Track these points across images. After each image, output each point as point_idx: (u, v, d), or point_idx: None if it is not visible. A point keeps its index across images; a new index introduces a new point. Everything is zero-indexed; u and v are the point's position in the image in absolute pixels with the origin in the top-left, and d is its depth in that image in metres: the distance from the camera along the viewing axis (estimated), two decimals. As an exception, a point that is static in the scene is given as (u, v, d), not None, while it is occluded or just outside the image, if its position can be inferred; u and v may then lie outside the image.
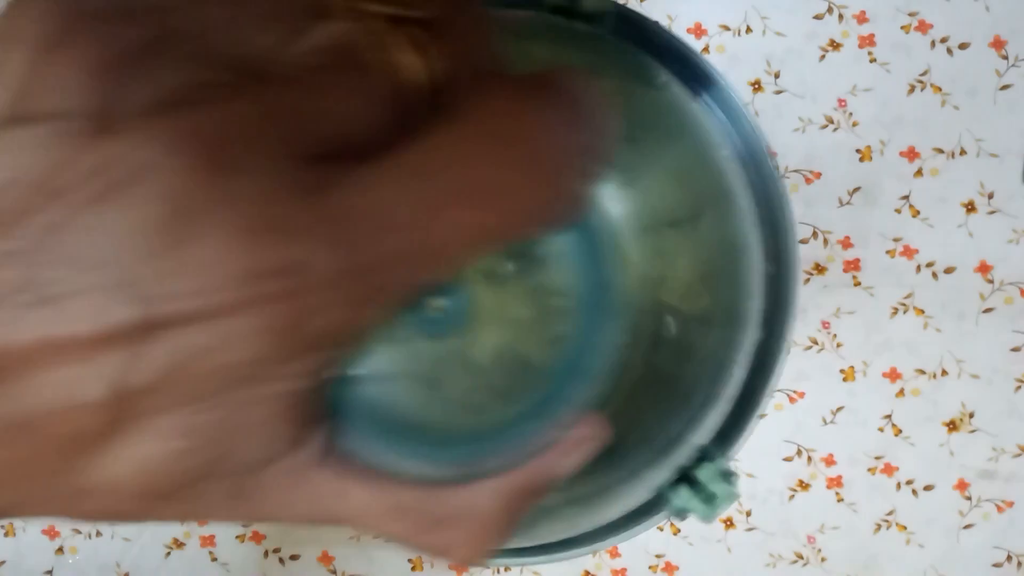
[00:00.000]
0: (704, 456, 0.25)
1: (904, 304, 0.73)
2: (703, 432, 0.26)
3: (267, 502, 0.16)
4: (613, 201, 0.20)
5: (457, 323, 0.17)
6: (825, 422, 0.73)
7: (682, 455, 0.25)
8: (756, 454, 0.73)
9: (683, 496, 0.25)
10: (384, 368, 0.17)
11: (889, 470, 0.73)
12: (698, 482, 0.25)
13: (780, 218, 0.26)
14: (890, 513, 0.73)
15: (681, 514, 0.25)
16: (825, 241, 0.72)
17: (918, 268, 0.72)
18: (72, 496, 0.14)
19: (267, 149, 0.13)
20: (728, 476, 0.25)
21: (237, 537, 0.76)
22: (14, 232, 0.12)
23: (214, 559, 0.77)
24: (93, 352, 0.12)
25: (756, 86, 0.73)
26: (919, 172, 0.72)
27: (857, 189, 0.72)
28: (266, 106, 0.13)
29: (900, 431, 0.73)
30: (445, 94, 0.15)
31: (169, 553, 0.77)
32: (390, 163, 0.14)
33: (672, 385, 0.24)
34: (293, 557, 0.76)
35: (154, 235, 0.12)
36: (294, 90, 0.14)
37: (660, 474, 0.25)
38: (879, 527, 0.74)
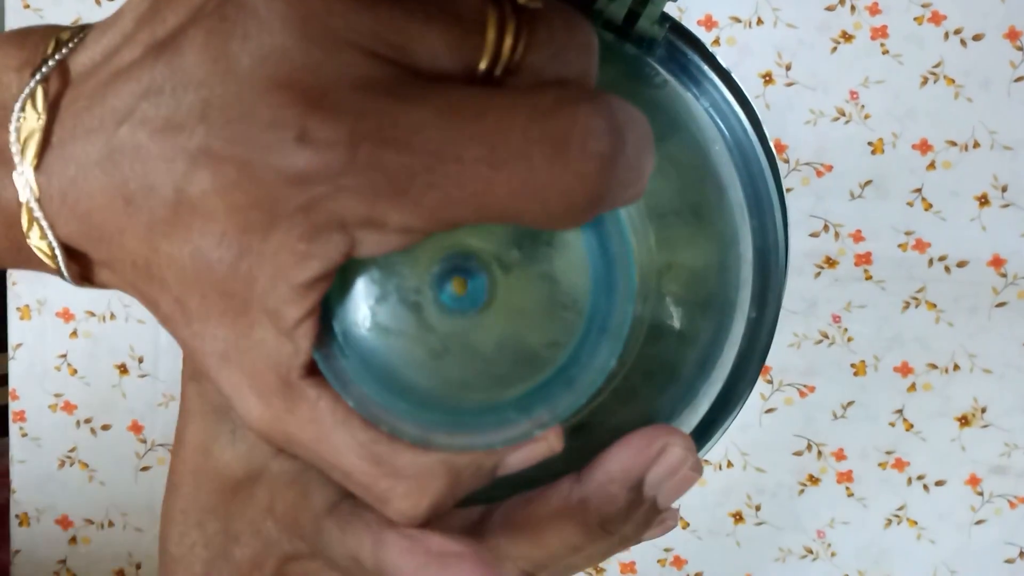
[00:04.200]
0: None
1: (916, 298, 0.72)
2: (697, 412, 0.26)
3: (245, 372, 0.18)
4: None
5: (474, 305, 0.18)
6: (835, 416, 0.73)
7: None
8: (766, 448, 0.73)
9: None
10: (396, 324, 0.18)
11: (900, 465, 0.73)
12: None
13: (769, 210, 0.26)
14: (901, 508, 0.73)
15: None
16: (836, 235, 0.72)
17: (930, 262, 0.72)
18: (140, 267, 0.17)
19: (348, 36, 0.15)
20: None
21: (248, 528, 0.77)
22: (160, 59, 0.16)
23: (225, 550, 0.77)
24: (170, 156, 0.16)
25: (767, 78, 0.72)
26: (931, 165, 0.71)
27: (869, 182, 0.72)
28: (363, 3, 0.15)
29: (911, 426, 0.73)
30: (515, 81, 0.16)
31: (180, 544, 0.77)
32: (436, 92, 0.15)
33: (671, 372, 0.24)
34: (303, 549, 0.77)
35: (236, 76, 0.15)
36: (392, 0, 0.15)
37: None
38: (889, 522, 0.73)
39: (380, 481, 0.18)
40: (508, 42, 0.16)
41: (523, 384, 0.18)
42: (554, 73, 0.16)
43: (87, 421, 0.76)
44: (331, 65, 0.15)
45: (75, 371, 0.76)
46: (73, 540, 0.78)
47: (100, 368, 0.76)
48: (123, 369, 0.76)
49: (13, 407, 0.77)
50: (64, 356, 0.76)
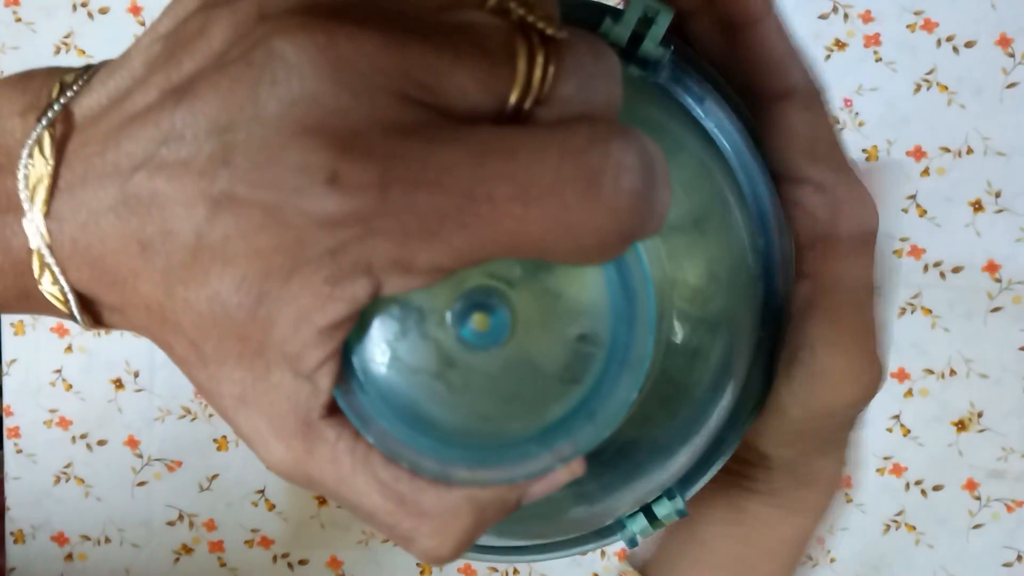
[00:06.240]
0: (665, 493, 0.26)
1: (912, 304, 0.72)
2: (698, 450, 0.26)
3: (264, 415, 0.17)
4: None
5: (495, 340, 0.18)
6: (833, 423, 0.73)
7: (648, 488, 0.26)
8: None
9: (639, 525, 0.26)
10: (416, 360, 0.18)
11: (898, 470, 0.73)
12: (655, 516, 0.26)
13: (770, 229, 0.26)
14: (899, 514, 0.73)
15: (632, 543, 0.27)
16: (832, 241, 0.72)
17: (925, 268, 0.72)
18: (154, 312, 0.17)
19: (378, 80, 0.15)
20: (683, 515, 0.26)
21: (246, 543, 0.77)
22: (180, 105, 0.16)
23: (223, 565, 0.77)
24: (191, 201, 0.16)
25: (761, 86, 0.72)
26: (926, 171, 0.72)
27: (863, 189, 0.72)
28: (393, 42, 0.15)
29: (909, 431, 0.73)
30: (544, 112, 0.16)
31: (178, 559, 0.77)
32: (466, 132, 0.15)
33: (682, 391, 0.24)
34: (302, 562, 0.77)
35: (263, 121, 0.15)
36: (421, 40, 0.15)
37: (625, 502, 0.26)
38: (888, 528, 0.73)
39: (404, 521, 0.18)
40: (538, 73, 0.16)
41: (544, 418, 0.18)
42: (582, 102, 0.16)
43: (83, 436, 0.76)
44: (361, 109, 0.15)
45: (70, 386, 0.76)
46: (69, 557, 0.77)
47: (95, 383, 0.75)
48: (119, 384, 0.75)
49: (7, 423, 0.76)
50: (59, 371, 0.76)
